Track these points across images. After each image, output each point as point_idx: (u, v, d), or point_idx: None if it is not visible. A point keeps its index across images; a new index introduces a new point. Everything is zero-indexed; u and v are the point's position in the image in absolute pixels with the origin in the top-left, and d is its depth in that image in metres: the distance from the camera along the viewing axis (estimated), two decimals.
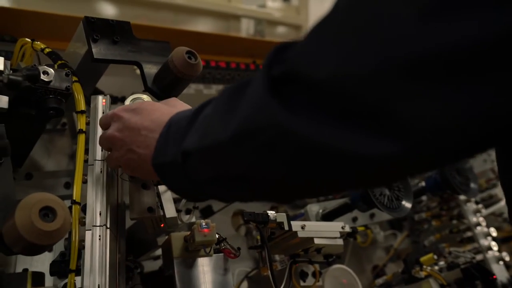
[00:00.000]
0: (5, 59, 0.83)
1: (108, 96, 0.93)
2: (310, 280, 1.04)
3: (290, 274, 1.01)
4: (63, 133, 1.23)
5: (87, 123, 0.90)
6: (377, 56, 0.40)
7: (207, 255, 0.92)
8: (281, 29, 2.81)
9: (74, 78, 0.90)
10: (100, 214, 0.82)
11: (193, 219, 1.04)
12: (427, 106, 0.38)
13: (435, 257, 1.30)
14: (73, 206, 0.80)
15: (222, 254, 0.94)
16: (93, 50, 0.90)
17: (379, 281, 1.42)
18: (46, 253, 1.03)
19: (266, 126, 0.48)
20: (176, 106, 0.78)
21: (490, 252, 1.46)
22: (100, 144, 0.84)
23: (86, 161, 0.87)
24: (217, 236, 0.89)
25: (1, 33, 1.24)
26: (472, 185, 1.42)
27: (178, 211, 0.93)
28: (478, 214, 1.54)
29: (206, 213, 1.35)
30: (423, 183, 1.44)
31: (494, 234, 1.52)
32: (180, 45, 0.93)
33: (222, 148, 0.55)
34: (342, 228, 1.02)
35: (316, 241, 0.97)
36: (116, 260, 0.85)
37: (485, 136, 0.40)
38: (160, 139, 0.69)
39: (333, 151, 0.44)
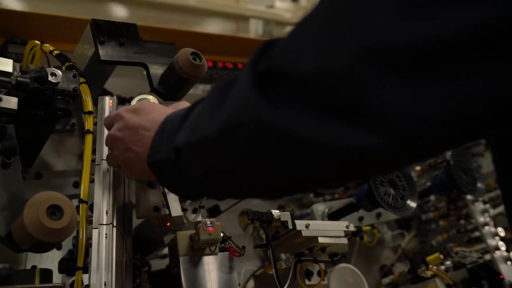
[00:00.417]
0: (15, 61, 0.85)
1: (115, 97, 0.95)
2: (315, 279, 1.05)
3: (295, 273, 1.02)
4: (72, 133, 1.25)
5: (95, 124, 0.92)
6: (352, 50, 0.41)
7: (213, 253, 0.93)
8: (290, 30, 2.82)
9: (82, 80, 0.92)
10: (106, 212, 0.83)
11: (199, 218, 1.05)
12: (402, 98, 0.39)
13: (441, 256, 1.30)
14: (80, 205, 0.81)
15: (227, 252, 0.95)
16: (100, 52, 0.92)
17: (386, 280, 1.43)
18: (55, 251, 1.04)
19: (251, 120, 0.50)
20: (177, 107, 0.79)
21: (497, 252, 1.46)
22: (106, 143, 0.85)
23: (93, 160, 0.88)
24: (222, 235, 0.90)
25: (12, 35, 1.26)
26: (479, 184, 1.42)
27: (184, 210, 0.94)
28: (486, 214, 1.53)
29: (214, 212, 1.37)
30: (429, 183, 1.44)
31: (502, 234, 1.51)
32: (188, 46, 0.94)
33: (210, 142, 0.57)
34: (347, 227, 1.02)
35: (321, 240, 0.98)
36: (123, 258, 0.86)
37: (463, 127, 0.40)
38: (155, 138, 0.71)
39: (315, 144, 0.45)
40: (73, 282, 0.82)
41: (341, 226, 1.02)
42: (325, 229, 1.00)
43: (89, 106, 0.92)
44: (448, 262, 1.34)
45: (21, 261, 1.03)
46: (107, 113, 0.92)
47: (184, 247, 0.93)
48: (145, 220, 1.00)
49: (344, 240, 1.02)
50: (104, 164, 0.87)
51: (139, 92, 0.98)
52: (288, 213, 0.98)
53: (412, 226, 1.67)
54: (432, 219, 1.62)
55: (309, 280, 1.05)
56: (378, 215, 1.41)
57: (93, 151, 0.89)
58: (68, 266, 0.92)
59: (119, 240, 0.85)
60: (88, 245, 0.81)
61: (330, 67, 0.42)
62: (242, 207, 1.42)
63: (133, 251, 0.96)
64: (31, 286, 0.70)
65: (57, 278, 0.88)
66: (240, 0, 2.45)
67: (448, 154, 1.40)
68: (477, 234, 1.51)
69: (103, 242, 0.80)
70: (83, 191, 0.84)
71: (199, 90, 1.59)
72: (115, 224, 0.83)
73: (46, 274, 0.73)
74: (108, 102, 0.93)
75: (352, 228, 1.03)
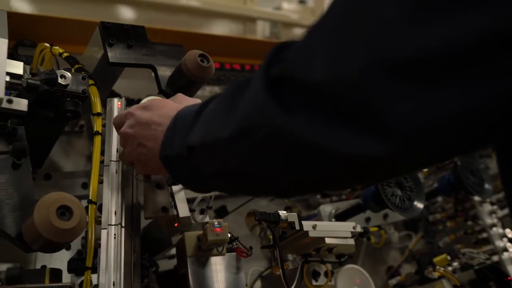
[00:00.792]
0: (25, 63, 0.86)
1: (123, 98, 0.96)
2: (322, 280, 1.05)
3: (302, 274, 1.03)
4: (81, 135, 1.26)
5: (103, 125, 0.93)
6: (364, 58, 0.41)
7: (220, 254, 0.94)
8: (297, 31, 2.82)
9: (91, 82, 0.93)
10: (115, 213, 0.84)
11: (207, 219, 1.06)
12: (411, 107, 0.40)
13: (449, 257, 1.30)
14: (89, 206, 0.82)
15: (235, 253, 0.95)
16: (108, 54, 0.93)
17: (393, 281, 1.43)
18: (64, 251, 1.06)
19: (263, 125, 0.51)
20: (182, 102, 0.81)
21: (505, 254, 1.45)
22: (120, 142, 0.86)
23: (102, 162, 0.89)
24: (229, 235, 0.91)
25: (22, 38, 1.28)
26: (487, 186, 1.42)
27: (191, 210, 0.95)
28: (493, 215, 1.53)
29: (221, 213, 1.37)
30: (436, 184, 1.44)
31: (510, 235, 1.50)
32: (195, 48, 0.95)
33: (223, 144, 0.58)
34: (354, 228, 1.02)
35: (327, 240, 0.98)
36: (131, 258, 0.87)
37: (473, 134, 0.41)
38: (167, 133, 0.71)
39: (326, 151, 0.46)
40: (82, 282, 0.83)
41: (348, 227, 1.03)
42: (332, 230, 1.00)
43: (98, 108, 0.93)
44: (455, 263, 1.34)
45: (30, 261, 1.04)
46: (115, 115, 0.93)
47: (192, 247, 0.94)
48: (153, 220, 1.01)
49: (351, 241, 1.03)
50: (113, 165, 0.88)
51: (147, 94, 0.99)
52: (295, 214, 0.98)
53: (419, 227, 1.67)
54: (439, 220, 1.62)
55: (316, 280, 1.05)
56: (385, 216, 1.41)
57: (102, 152, 0.90)
58: (77, 266, 0.92)
59: (128, 240, 0.85)
60: (97, 245, 0.82)
61: (342, 77, 0.43)
62: (249, 208, 1.42)
63: (141, 251, 0.97)
64: (42, 285, 0.71)
65: (66, 278, 0.89)
66: (247, 1, 2.46)
67: None
68: (484, 235, 1.51)
69: (112, 242, 0.81)
70: (92, 192, 0.85)
71: (206, 91, 1.60)
72: (123, 225, 0.84)
73: (56, 274, 0.74)
74: (116, 103, 0.94)
75: (359, 229, 1.03)
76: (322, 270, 1.06)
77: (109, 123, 0.93)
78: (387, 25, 0.40)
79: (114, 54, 0.94)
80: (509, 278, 1.32)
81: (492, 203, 1.56)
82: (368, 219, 1.37)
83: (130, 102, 1.32)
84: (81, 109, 0.90)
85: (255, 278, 1.23)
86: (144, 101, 0.92)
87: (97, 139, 0.90)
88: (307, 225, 0.97)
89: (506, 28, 0.35)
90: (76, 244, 1.00)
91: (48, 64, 1.09)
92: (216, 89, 1.66)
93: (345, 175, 0.49)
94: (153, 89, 1.48)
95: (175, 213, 0.91)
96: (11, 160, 0.79)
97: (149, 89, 1.47)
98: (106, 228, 0.83)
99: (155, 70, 0.97)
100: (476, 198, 1.51)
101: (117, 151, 0.90)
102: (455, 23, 0.37)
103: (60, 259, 1.04)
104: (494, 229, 1.50)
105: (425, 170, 1.60)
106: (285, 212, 0.96)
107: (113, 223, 0.83)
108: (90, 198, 0.84)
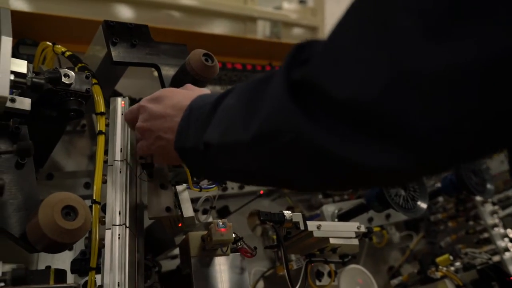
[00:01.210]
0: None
1: (127, 98, 0.95)
2: (325, 280, 1.05)
3: (306, 274, 1.02)
4: (82, 134, 1.25)
5: (107, 125, 0.92)
6: (386, 76, 0.41)
7: (224, 254, 0.93)
8: (297, 31, 2.82)
9: (94, 81, 0.92)
10: (119, 213, 0.83)
11: (210, 219, 1.05)
12: (434, 121, 0.40)
13: (451, 257, 1.30)
14: (93, 206, 0.82)
15: (239, 253, 0.95)
16: (112, 53, 0.92)
17: (395, 281, 1.43)
18: (67, 251, 1.05)
19: (287, 130, 0.50)
20: (194, 90, 0.81)
21: (507, 254, 1.45)
22: (137, 137, 0.86)
23: (105, 161, 0.89)
24: (233, 236, 0.90)
25: (23, 37, 1.27)
26: (488, 186, 1.42)
27: (195, 210, 0.95)
28: (495, 215, 1.53)
29: (223, 213, 1.37)
30: (438, 184, 1.44)
31: None
32: (197, 48, 0.95)
33: (242, 146, 0.58)
34: (358, 228, 1.02)
35: (332, 240, 0.98)
36: (135, 258, 0.86)
37: (490, 144, 0.42)
38: (182, 123, 0.71)
39: (347, 161, 0.46)
40: (85, 282, 0.83)
41: (352, 227, 1.02)
42: (336, 230, 1.00)
43: (102, 107, 0.92)
44: (457, 263, 1.34)
45: (32, 262, 1.03)
46: (119, 114, 0.92)
47: (196, 247, 0.93)
48: (156, 220, 1.00)
49: (355, 241, 1.02)
50: (117, 165, 0.88)
51: (150, 94, 0.98)
52: (300, 214, 0.98)
53: (420, 227, 1.67)
54: (441, 220, 1.62)
55: (320, 280, 1.04)
56: (388, 216, 1.41)
57: (105, 152, 0.90)
58: (81, 266, 0.92)
59: (132, 240, 0.85)
60: (101, 246, 0.81)
61: (367, 92, 0.43)
62: (251, 208, 1.42)
63: (144, 251, 0.96)
64: (47, 286, 0.70)
65: (69, 278, 0.88)
66: (248, 1, 2.45)
67: None
68: (486, 235, 1.51)
69: (116, 242, 0.81)
70: (95, 191, 0.84)
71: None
72: (128, 225, 0.83)
73: (60, 274, 0.73)
74: (120, 103, 0.94)
75: (363, 229, 1.03)
76: (325, 270, 1.06)
77: (112, 123, 0.92)
78: (410, 41, 0.40)
79: (118, 53, 0.93)
80: (511, 278, 1.31)
81: (493, 203, 1.56)
82: (370, 219, 1.36)
83: (132, 101, 1.32)
84: (85, 108, 0.90)
85: (258, 278, 1.23)
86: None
87: (101, 139, 0.89)
88: (311, 225, 0.97)
89: None
90: (78, 245, 0.99)
91: (50, 63, 1.09)
92: (218, 89, 1.66)
93: (364, 182, 0.51)
94: (155, 88, 1.48)
95: (179, 213, 0.91)
96: (15, 159, 0.78)
97: (151, 88, 1.47)
98: (110, 228, 0.82)
99: (158, 70, 0.96)
100: (478, 198, 1.51)
101: (120, 151, 0.89)
102: (474, 42, 0.37)
103: (62, 260, 1.03)
104: (496, 229, 1.51)
105: None
106: (289, 212, 0.96)
107: (118, 223, 0.83)
108: (94, 198, 0.84)
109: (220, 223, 0.89)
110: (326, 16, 3.09)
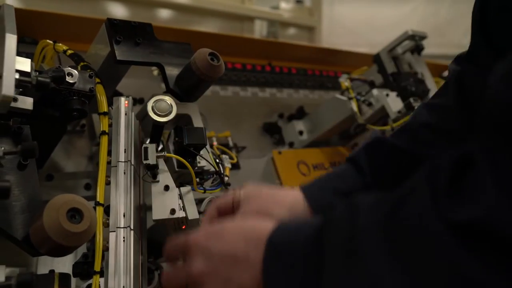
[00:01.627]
0: None
1: (130, 97, 0.93)
2: None
3: None
4: (82, 134, 1.23)
5: (110, 125, 0.90)
6: None
7: None
8: (294, 31, 2.82)
9: (97, 80, 0.90)
10: (124, 215, 0.82)
11: None
12: None
13: None
14: (97, 208, 0.80)
15: None
16: (116, 51, 0.90)
17: None
18: None
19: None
20: (245, 221, 0.65)
21: None
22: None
23: (109, 162, 0.87)
24: None
25: (22, 35, 1.25)
26: None
27: (199, 212, 0.93)
28: None
29: None
30: None
31: None
32: (195, 47, 0.93)
33: None
34: None
35: None
36: (139, 261, 0.85)
37: None
38: (270, 269, 0.55)
39: None
40: (88, 286, 0.81)
41: None
42: None
43: (105, 107, 0.91)
44: None
45: (32, 265, 1.01)
46: (123, 114, 0.91)
47: None
48: (158, 222, 0.99)
49: None
50: (121, 166, 0.86)
51: (153, 94, 0.97)
52: None
53: None
54: None
55: None
56: None
57: (108, 153, 0.88)
58: (83, 269, 0.90)
59: (136, 243, 0.83)
60: (105, 249, 0.80)
61: None
62: None
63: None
64: None
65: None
66: (245, 0, 2.44)
67: None
68: None
69: (121, 245, 0.79)
70: (99, 193, 0.83)
71: (208, 91, 1.57)
72: (132, 227, 0.82)
73: (65, 279, 0.71)
74: (123, 102, 0.92)
75: None
76: None
77: (116, 123, 0.90)
78: None
79: (122, 52, 0.91)
80: None
81: None
82: None
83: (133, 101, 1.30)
84: (88, 108, 0.88)
85: None
86: (151, 102, 0.89)
87: (104, 139, 0.87)
88: None
89: None
90: (80, 247, 0.97)
91: (50, 62, 1.07)
92: (218, 89, 1.65)
93: None
94: (155, 88, 1.47)
95: (184, 215, 0.89)
96: (17, 160, 0.76)
97: (150, 88, 1.46)
98: (114, 231, 0.80)
99: (162, 69, 0.94)
100: None
101: (124, 152, 0.87)
102: None
103: (62, 263, 1.01)
104: None
105: None
106: None
107: (122, 225, 0.81)
108: (98, 200, 0.82)
109: None
110: (323, 16, 3.09)
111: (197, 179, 0.95)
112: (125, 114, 0.91)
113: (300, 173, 1.52)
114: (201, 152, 0.95)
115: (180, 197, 0.90)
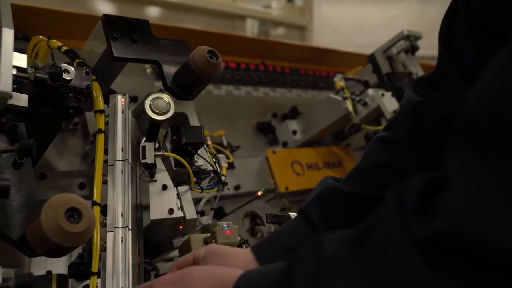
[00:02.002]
0: None
1: (127, 95, 0.92)
2: None
3: None
4: (74, 132, 1.21)
5: (106, 123, 0.89)
6: None
7: None
8: (285, 30, 2.81)
9: (93, 77, 0.88)
10: (122, 215, 0.80)
11: (210, 221, 1.03)
12: None
13: None
14: (94, 207, 0.78)
15: None
16: (113, 48, 0.89)
17: None
18: None
19: None
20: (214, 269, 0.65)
21: None
22: None
23: (105, 161, 0.85)
24: (239, 238, 0.88)
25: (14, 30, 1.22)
26: None
27: (197, 212, 0.92)
28: None
29: (219, 214, 1.34)
30: None
31: None
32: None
33: None
34: None
35: None
36: (137, 262, 0.83)
37: None
38: None
39: None
40: (83, 287, 0.79)
41: None
42: None
43: (101, 105, 0.89)
44: None
45: (24, 266, 0.99)
46: (119, 112, 0.89)
47: None
48: (153, 222, 0.97)
49: None
50: (118, 165, 0.84)
51: (148, 92, 0.95)
52: None
53: None
54: None
55: None
56: None
57: (105, 151, 0.86)
58: (78, 270, 0.88)
59: (134, 243, 0.82)
60: (101, 249, 0.78)
61: None
62: (246, 210, 1.39)
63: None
64: None
65: None
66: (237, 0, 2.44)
67: None
68: None
69: (119, 245, 0.78)
70: (96, 193, 0.81)
71: None
72: (130, 227, 0.80)
73: (62, 280, 0.70)
74: (120, 100, 0.90)
75: None
76: None
77: (112, 121, 0.89)
78: None
79: (119, 49, 0.89)
80: None
81: None
82: None
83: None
84: (84, 105, 0.86)
85: None
86: (148, 100, 0.87)
87: (100, 137, 0.86)
88: None
89: None
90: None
91: (43, 59, 1.04)
92: (211, 87, 1.63)
93: None
94: (148, 86, 1.45)
95: (182, 215, 0.88)
96: (12, 159, 0.74)
97: (144, 86, 1.44)
98: (112, 231, 0.79)
99: (160, 66, 0.93)
100: None
101: (122, 150, 0.86)
102: None
103: (56, 264, 0.99)
104: None
105: None
106: (295, 214, 0.94)
107: (120, 225, 0.79)
108: (95, 200, 0.80)
109: (225, 225, 0.86)
110: (314, 15, 3.09)
111: (194, 179, 0.94)
112: (122, 112, 0.90)
113: (294, 173, 1.51)
114: (199, 151, 0.94)
115: (178, 196, 0.89)
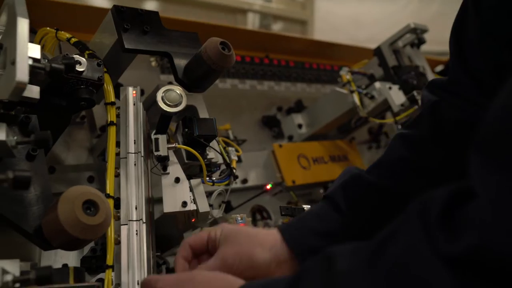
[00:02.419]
0: None
1: (138, 87, 0.91)
2: None
3: None
4: (82, 126, 1.20)
5: (117, 115, 0.88)
6: None
7: None
8: (286, 24, 2.80)
9: (104, 69, 0.87)
10: (136, 208, 0.79)
11: (221, 214, 1.02)
12: None
13: None
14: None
15: None
16: (124, 40, 0.88)
17: None
18: None
19: None
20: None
21: None
22: None
23: (117, 154, 0.84)
24: None
25: None
26: None
27: (209, 205, 0.91)
28: None
29: (226, 208, 1.33)
30: None
31: None
32: None
33: None
34: None
35: None
36: (151, 255, 0.83)
37: None
38: None
39: None
40: (97, 280, 0.78)
41: None
42: None
43: (112, 97, 0.88)
44: None
45: (34, 259, 0.98)
46: (131, 104, 0.88)
47: None
48: (164, 216, 0.96)
49: None
50: (131, 158, 0.83)
51: (158, 84, 0.94)
52: None
53: None
54: None
55: None
56: None
57: (116, 144, 0.85)
58: (91, 264, 0.88)
59: (148, 236, 0.81)
60: (116, 242, 0.77)
61: None
62: (253, 203, 1.39)
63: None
64: (70, 285, 0.66)
65: None
66: None
67: None
68: None
69: (134, 238, 0.77)
70: (109, 185, 0.80)
71: None
72: (144, 220, 0.79)
73: (79, 273, 0.69)
74: (131, 92, 0.89)
75: None
76: None
77: (124, 113, 0.88)
78: None
79: (130, 40, 0.88)
80: None
81: None
82: None
83: None
84: (96, 97, 0.85)
85: None
86: (160, 92, 0.86)
87: (112, 130, 0.85)
88: None
89: None
90: None
91: (51, 51, 1.03)
92: (216, 81, 1.61)
93: None
94: (153, 79, 1.44)
95: (195, 208, 0.87)
96: (25, 151, 0.73)
97: (149, 79, 1.43)
98: (126, 224, 0.78)
99: (171, 58, 0.92)
100: None
101: (134, 143, 0.85)
102: None
103: (66, 257, 0.98)
104: None
105: None
106: (309, 206, 0.93)
107: (135, 218, 0.79)
108: (108, 193, 0.79)
109: (239, 218, 0.86)
110: (315, 10, 3.07)
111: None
112: (134, 104, 0.89)
113: (300, 166, 1.51)
114: (211, 144, 0.93)
115: (191, 189, 0.88)
